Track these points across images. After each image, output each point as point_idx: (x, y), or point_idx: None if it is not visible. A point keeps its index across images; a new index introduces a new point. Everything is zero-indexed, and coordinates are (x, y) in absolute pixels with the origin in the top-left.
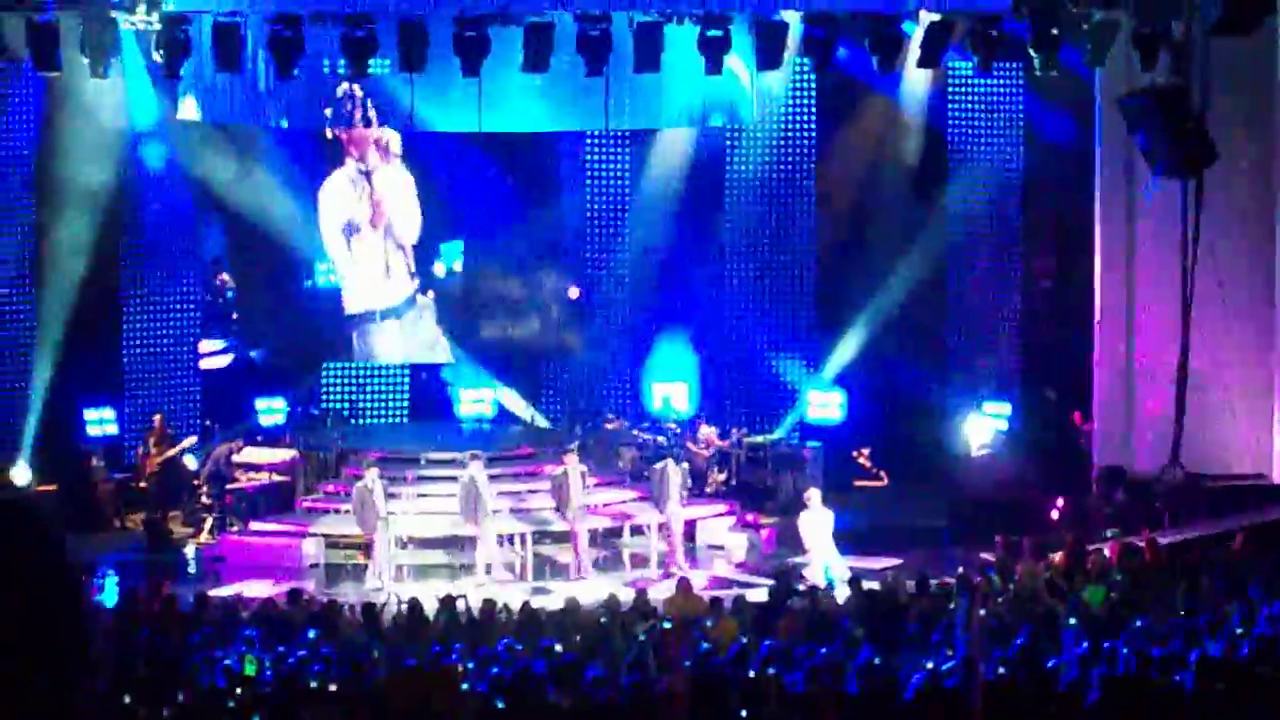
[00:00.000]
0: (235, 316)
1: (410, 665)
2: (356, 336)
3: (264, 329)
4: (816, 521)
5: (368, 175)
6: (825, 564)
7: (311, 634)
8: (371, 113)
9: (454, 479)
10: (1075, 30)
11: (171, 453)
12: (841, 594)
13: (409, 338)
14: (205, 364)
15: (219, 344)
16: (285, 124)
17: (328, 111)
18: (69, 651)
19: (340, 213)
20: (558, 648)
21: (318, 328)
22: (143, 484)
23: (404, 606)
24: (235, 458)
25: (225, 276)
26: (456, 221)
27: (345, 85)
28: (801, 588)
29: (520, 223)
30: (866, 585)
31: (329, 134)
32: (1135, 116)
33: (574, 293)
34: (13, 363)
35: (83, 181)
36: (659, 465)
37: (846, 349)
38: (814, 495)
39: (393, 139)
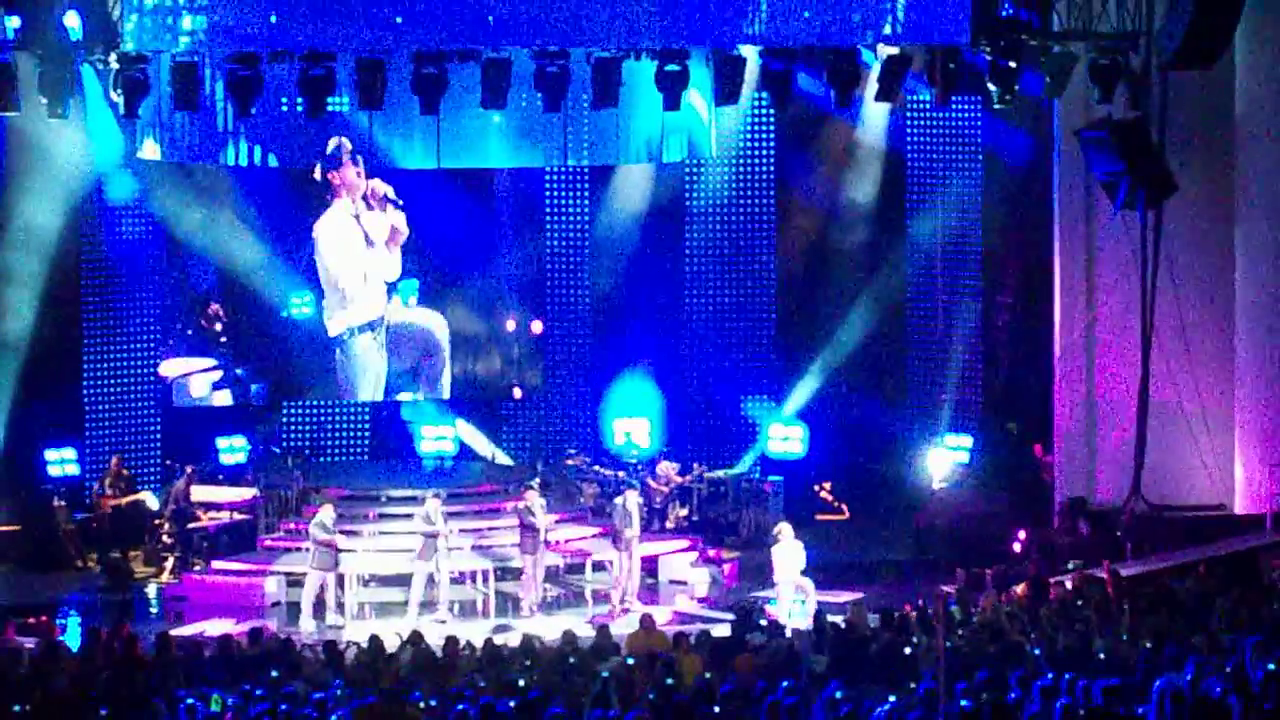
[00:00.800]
0: (224, 340)
1: (371, 703)
2: (340, 359)
3: (254, 357)
4: (788, 555)
5: (357, 218)
6: (798, 599)
7: (274, 673)
8: (360, 166)
9: (412, 516)
10: (1034, 62)
11: (127, 500)
12: (805, 628)
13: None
14: (195, 385)
15: (209, 362)
16: (244, 163)
17: (317, 169)
18: None
19: (343, 244)
20: (520, 684)
21: (300, 356)
22: (94, 524)
23: (358, 645)
24: (193, 489)
25: (216, 307)
26: (417, 257)
27: (335, 139)
28: (764, 623)
29: (480, 259)
30: (830, 619)
31: (317, 175)
32: (1094, 149)
33: (537, 327)
34: None
35: (41, 221)
36: (619, 499)
37: (807, 383)
38: (785, 529)
39: (385, 190)
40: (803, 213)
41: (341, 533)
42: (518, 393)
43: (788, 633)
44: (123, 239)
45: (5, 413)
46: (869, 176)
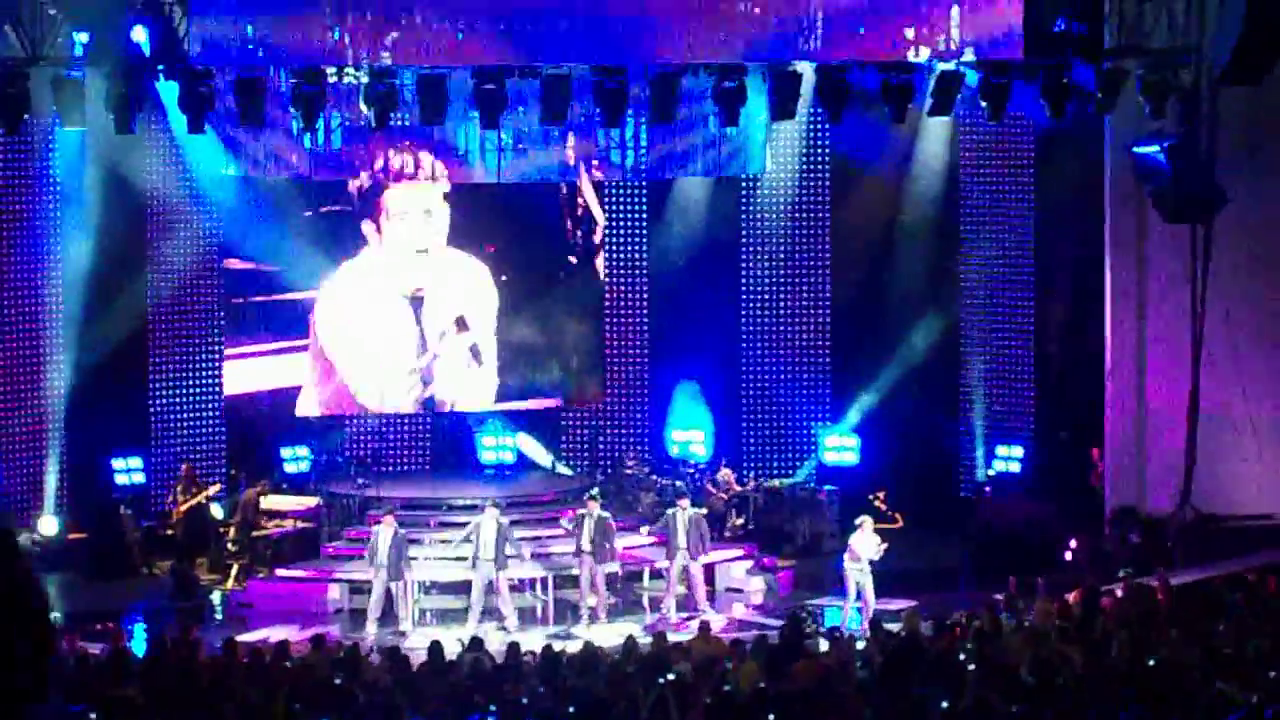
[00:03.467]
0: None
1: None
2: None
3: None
4: (861, 541)
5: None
6: (854, 605)
7: (337, 680)
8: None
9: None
10: (1086, 78)
11: (196, 499)
12: (861, 636)
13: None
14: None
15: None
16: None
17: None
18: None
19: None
20: (579, 691)
21: None
22: (169, 530)
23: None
24: (262, 502)
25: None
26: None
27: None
28: (809, 629)
29: (541, 272)
30: (885, 626)
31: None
32: (1145, 163)
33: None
34: (40, 414)
35: (108, 235)
36: (670, 510)
37: (862, 394)
38: (866, 520)
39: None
40: (858, 225)
41: (410, 541)
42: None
43: (849, 639)
44: (187, 250)
45: (75, 423)
46: (924, 190)
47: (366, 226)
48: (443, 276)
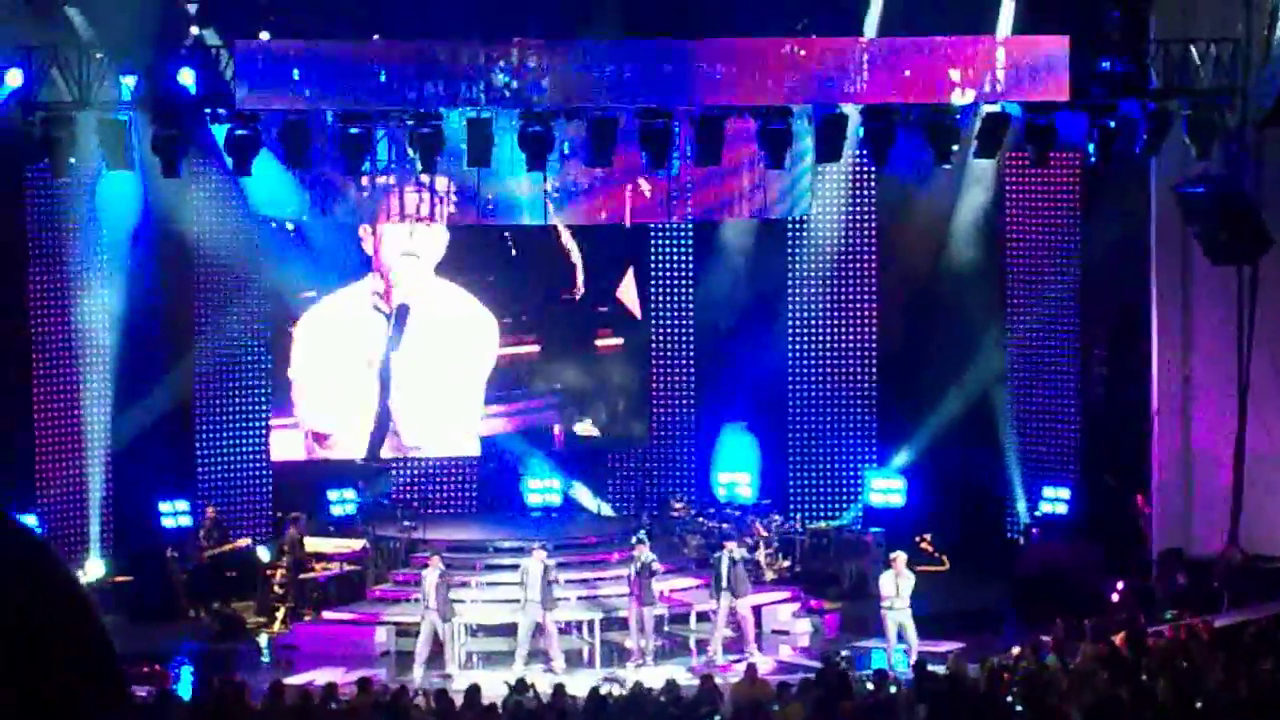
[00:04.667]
0: None
1: None
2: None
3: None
4: (888, 581)
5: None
6: (899, 649)
7: None
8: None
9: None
10: (1132, 119)
11: (221, 550)
12: (906, 678)
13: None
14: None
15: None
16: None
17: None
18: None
19: None
20: None
21: None
22: (204, 574)
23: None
24: (305, 540)
25: None
26: (524, 308)
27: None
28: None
29: (587, 314)
30: (930, 669)
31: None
32: (1190, 205)
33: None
34: (87, 457)
35: (155, 279)
36: (717, 554)
37: (908, 436)
38: (898, 557)
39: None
40: (904, 268)
41: (452, 583)
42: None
43: (895, 681)
44: (231, 294)
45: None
46: (969, 233)
47: (363, 230)
48: (426, 298)
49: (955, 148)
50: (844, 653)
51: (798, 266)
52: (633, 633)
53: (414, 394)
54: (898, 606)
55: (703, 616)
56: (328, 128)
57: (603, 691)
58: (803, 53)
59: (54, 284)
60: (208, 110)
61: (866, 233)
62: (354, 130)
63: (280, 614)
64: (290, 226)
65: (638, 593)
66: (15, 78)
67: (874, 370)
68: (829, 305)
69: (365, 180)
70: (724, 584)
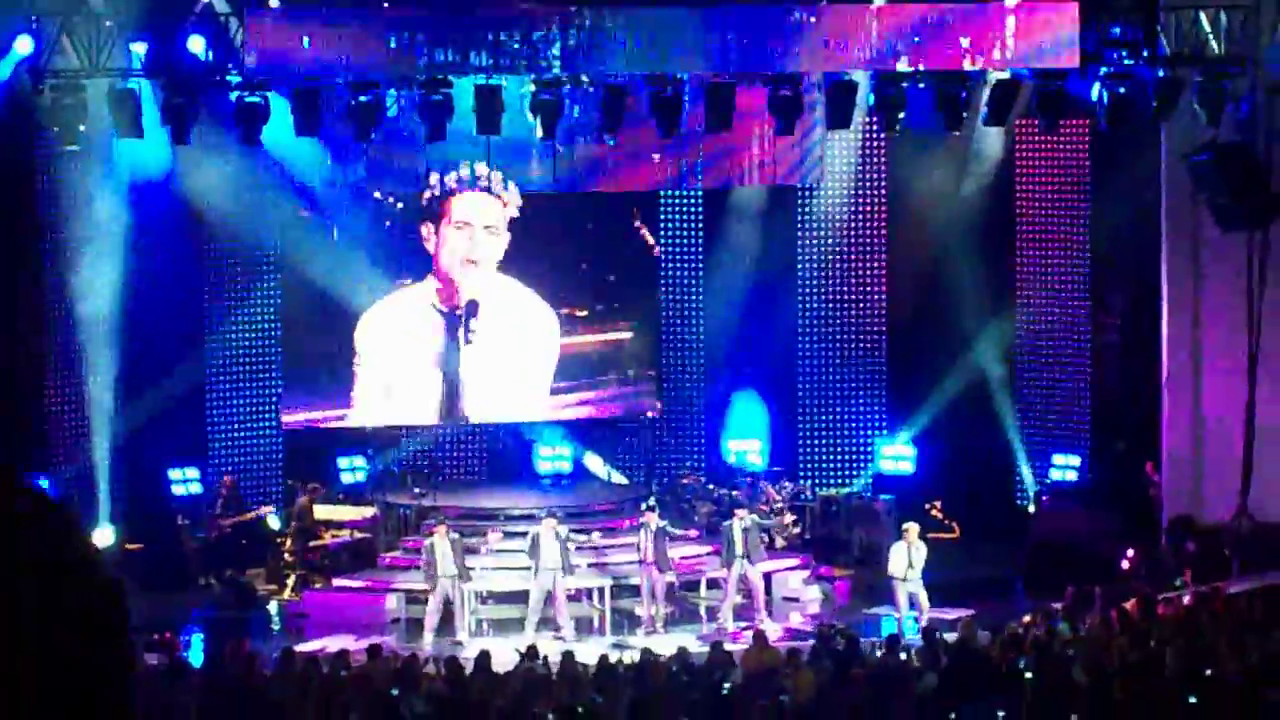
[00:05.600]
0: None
1: None
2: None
3: None
4: (897, 553)
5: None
6: (909, 615)
7: (394, 690)
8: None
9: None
10: (1142, 86)
11: (236, 520)
12: (916, 645)
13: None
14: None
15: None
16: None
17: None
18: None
19: None
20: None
21: None
22: (214, 543)
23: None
24: (317, 511)
25: None
26: (534, 278)
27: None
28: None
29: (596, 282)
30: (941, 635)
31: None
32: (1201, 172)
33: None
34: (98, 424)
35: (165, 248)
36: (728, 522)
37: (919, 403)
38: (910, 528)
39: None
40: (914, 235)
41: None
42: (651, 413)
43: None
44: (243, 263)
45: (133, 433)
46: (979, 200)
47: (426, 229)
48: (491, 297)
49: (965, 115)
50: (839, 625)
51: (808, 234)
52: (644, 600)
53: (481, 394)
54: (910, 577)
55: (713, 584)
56: (339, 94)
57: (613, 659)
58: (812, 20)
59: (66, 252)
60: (217, 78)
61: (877, 200)
62: (364, 98)
63: (290, 581)
64: (304, 212)
65: (654, 560)
66: (25, 45)
67: (884, 337)
68: (839, 272)
69: (434, 179)
70: (736, 551)
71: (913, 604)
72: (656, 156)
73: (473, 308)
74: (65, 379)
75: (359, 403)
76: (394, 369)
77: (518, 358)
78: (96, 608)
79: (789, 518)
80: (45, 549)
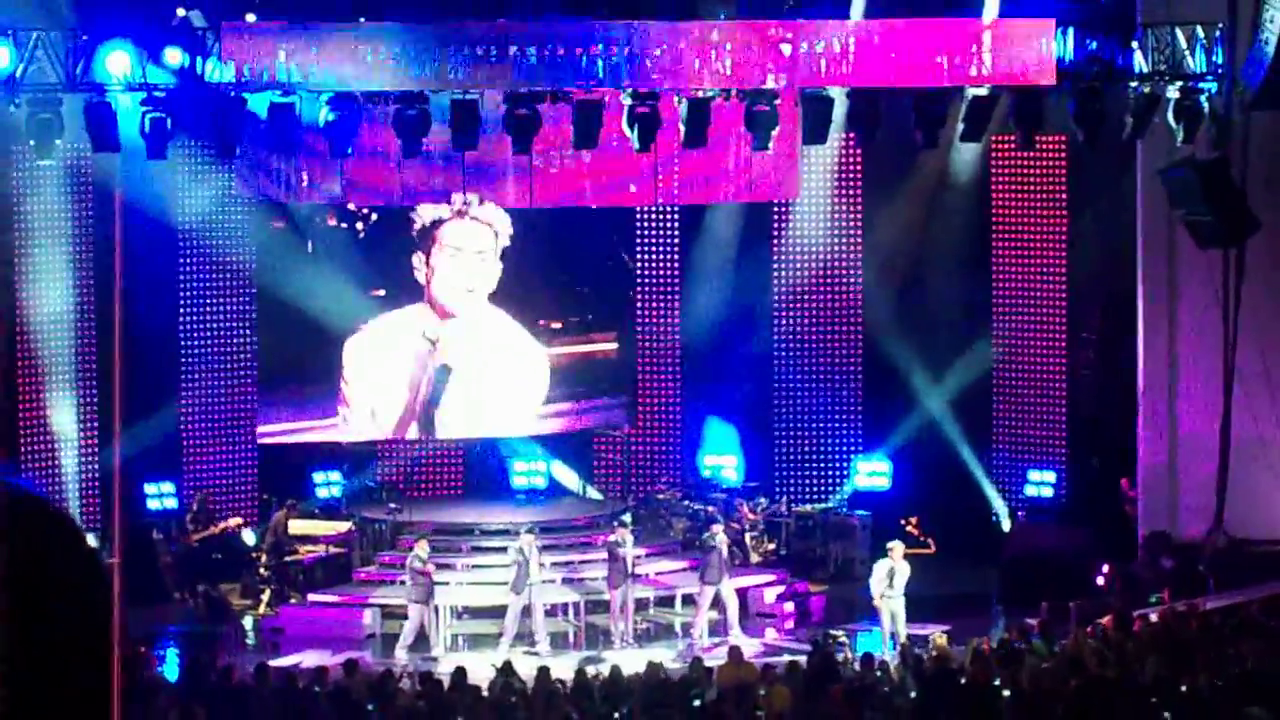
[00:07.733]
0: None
1: None
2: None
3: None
4: (879, 571)
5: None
6: (891, 632)
7: (370, 706)
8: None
9: (505, 550)
10: (1118, 102)
11: (209, 533)
12: (893, 661)
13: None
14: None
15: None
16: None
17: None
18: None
19: None
20: (615, 716)
21: None
22: (189, 557)
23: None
24: (293, 526)
25: None
26: (510, 295)
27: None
28: (841, 657)
29: (570, 298)
30: (917, 651)
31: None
32: (1176, 188)
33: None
34: (71, 436)
35: (141, 262)
36: (705, 535)
37: (895, 419)
38: (895, 546)
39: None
40: (890, 251)
41: (436, 565)
42: (626, 428)
43: (881, 664)
44: (220, 281)
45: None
46: (956, 215)
47: (416, 258)
48: (479, 324)
49: (941, 131)
50: (836, 633)
51: (784, 249)
52: (613, 615)
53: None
54: (889, 595)
55: (688, 600)
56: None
57: (590, 674)
58: (789, 35)
59: (39, 265)
60: (191, 92)
61: (852, 215)
62: (341, 113)
63: (265, 596)
64: (279, 223)
65: (608, 576)
66: (1, 58)
67: (860, 354)
68: (816, 288)
69: (422, 210)
70: (716, 566)
71: (891, 621)
72: (633, 183)
73: (458, 332)
74: (40, 391)
75: (345, 424)
76: (380, 392)
77: (500, 381)
78: (93, 611)
79: (750, 537)
80: (50, 553)
